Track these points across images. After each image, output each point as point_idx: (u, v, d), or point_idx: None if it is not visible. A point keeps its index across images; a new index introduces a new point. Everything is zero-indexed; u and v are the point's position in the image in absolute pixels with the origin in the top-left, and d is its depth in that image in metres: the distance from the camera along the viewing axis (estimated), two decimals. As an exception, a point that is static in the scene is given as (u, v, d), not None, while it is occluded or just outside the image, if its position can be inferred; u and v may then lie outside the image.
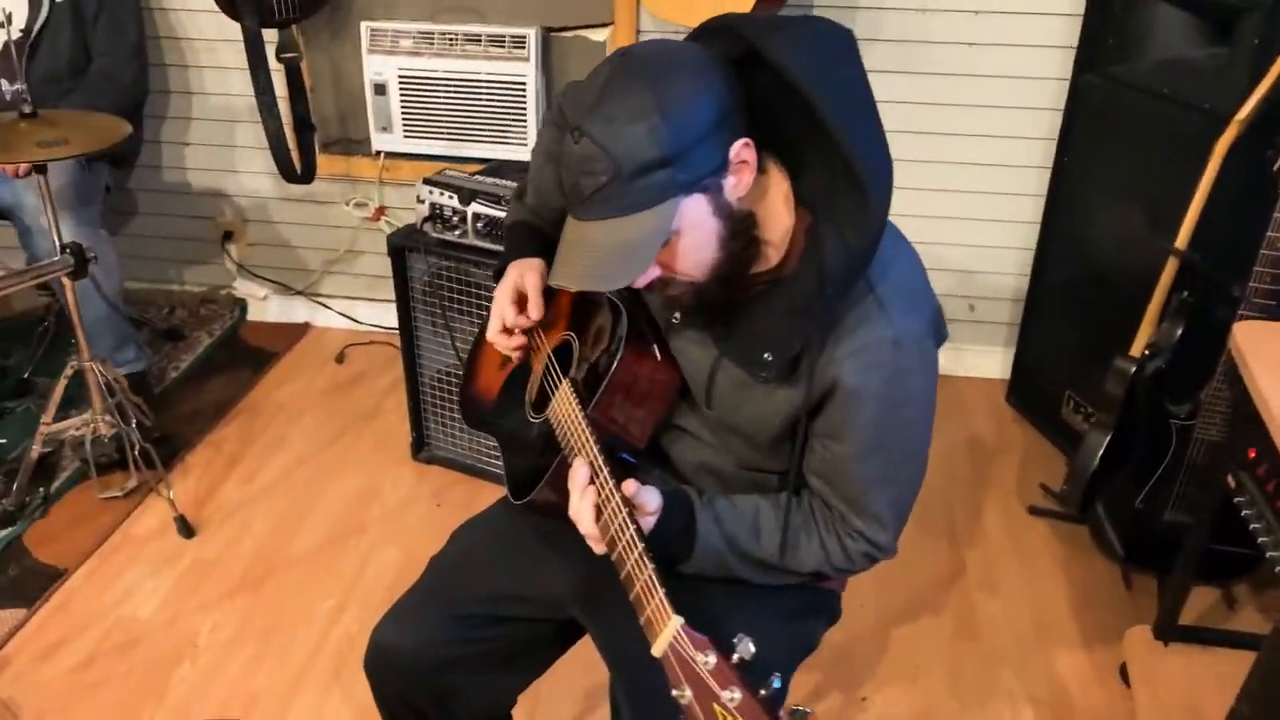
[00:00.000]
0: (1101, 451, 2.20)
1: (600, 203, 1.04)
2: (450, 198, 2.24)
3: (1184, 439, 2.09)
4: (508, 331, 1.41)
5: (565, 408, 1.28)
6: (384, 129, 2.91)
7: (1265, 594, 2.26)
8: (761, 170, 1.10)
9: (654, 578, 1.00)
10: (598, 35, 2.80)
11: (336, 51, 2.91)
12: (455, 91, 2.83)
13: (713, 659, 0.91)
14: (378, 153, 2.96)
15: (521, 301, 1.42)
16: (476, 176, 2.35)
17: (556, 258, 1.12)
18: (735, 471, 1.29)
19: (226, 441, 2.72)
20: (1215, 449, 2.06)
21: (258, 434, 2.76)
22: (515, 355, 1.44)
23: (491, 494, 2.51)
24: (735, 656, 0.91)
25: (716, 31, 1.11)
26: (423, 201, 2.28)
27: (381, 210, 3.07)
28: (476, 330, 2.25)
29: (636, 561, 1.04)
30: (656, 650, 0.96)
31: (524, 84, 2.79)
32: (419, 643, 1.34)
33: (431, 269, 2.34)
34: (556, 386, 1.34)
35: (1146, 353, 2.15)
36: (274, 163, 2.68)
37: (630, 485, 1.11)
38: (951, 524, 2.48)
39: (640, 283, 1.11)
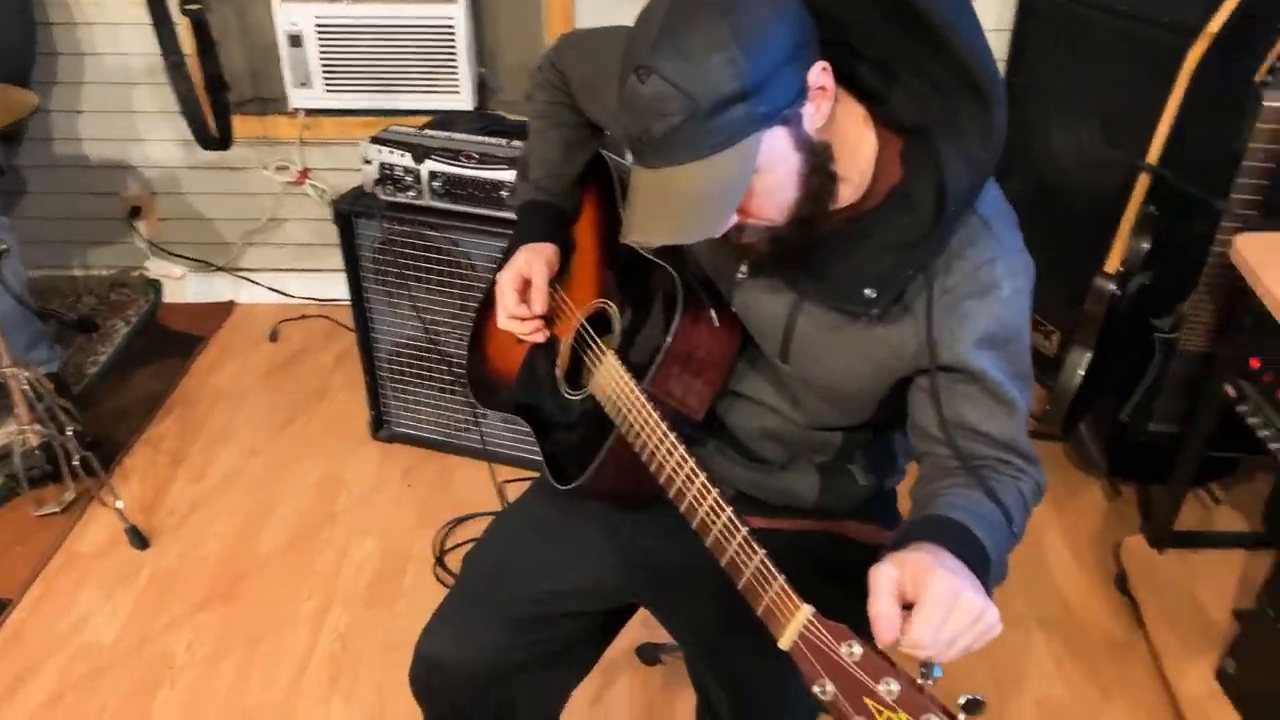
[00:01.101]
0: (1083, 370, 2.22)
1: (676, 146, 0.93)
2: (402, 156, 2.08)
3: (1167, 352, 2.11)
4: (516, 318, 1.30)
5: (614, 383, 1.18)
6: (302, 84, 2.68)
7: (1235, 492, 2.34)
8: (836, 99, 1.00)
9: (766, 564, 0.92)
10: (528, -28, 2.63)
11: (243, 1, 2.66)
12: (378, 39, 2.63)
13: (859, 649, 0.83)
14: (296, 110, 2.74)
15: (525, 287, 1.31)
16: (427, 131, 2.18)
17: (628, 212, 1.00)
18: (802, 433, 1.20)
19: (165, 439, 2.51)
20: (1197, 359, 2.09)
21: (198, 427, 2.55)
22: (534, 339, 1.33)
23: (466, 470, 2.41)
24: (880, 643, 0.84)
25: None
26: (370, 162, 2.11)
27: (305, 173, 2.86)
28: (473, 301, 2.14)
29: (740, 546, 0.95)
30: (784, 643, 0.88)
31: (452, 27, 2.60)
32: (475, 653, 1.24)
33: (385, 234, 2.18)
34: (597, 359, 1.24)
35: (1122, 269, 2.16)
36: (187, 129, 2.44)
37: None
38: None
39: (720, 232, 1.01)
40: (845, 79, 1.02)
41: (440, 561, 2.16)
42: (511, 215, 2.05)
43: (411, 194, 2.11)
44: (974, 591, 0.82)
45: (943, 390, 1.04)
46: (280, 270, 3.04)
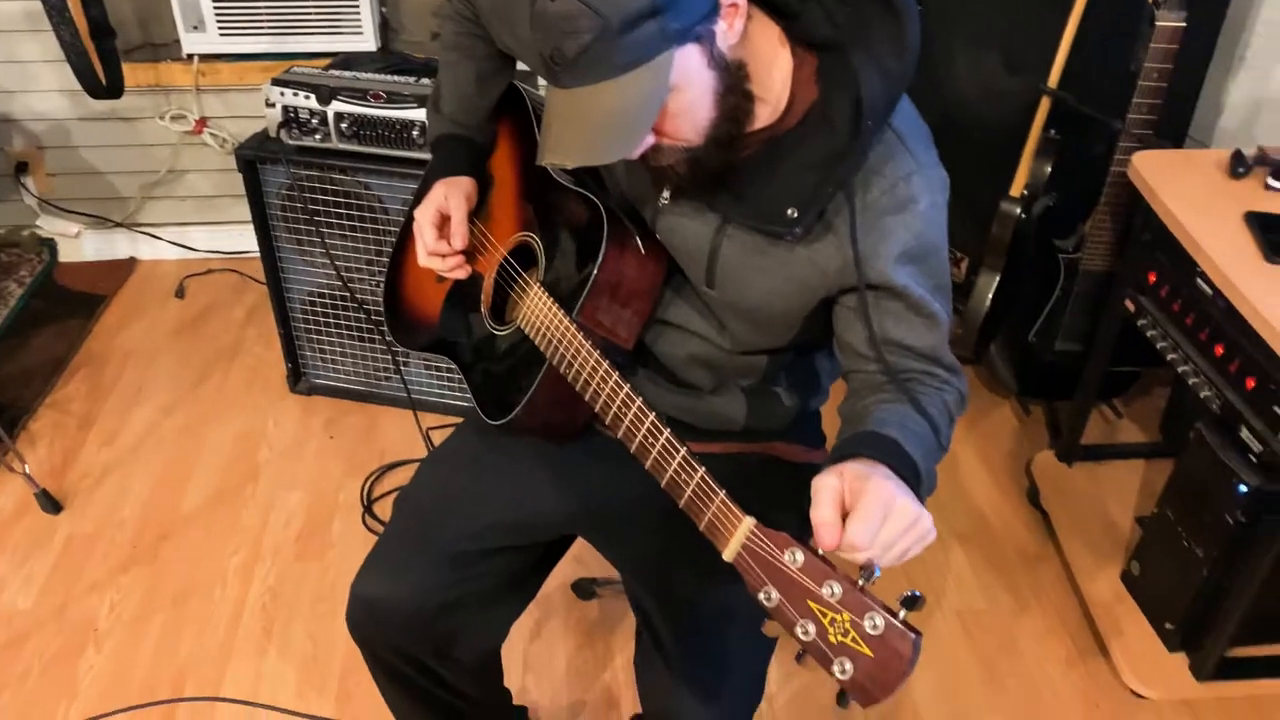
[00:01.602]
0: (991, 294, 2.29)
1: (587, 65, 0.93)
2: (306, 98, 2.01)
3: (1070, 271, 2.19)
4: (437, 254, 1.28)
5: (543, 315, 1.17)
6: (195, 28, 2.57)
7: (1136, 406, 2.45)
8: (748, 17, 1.00)
9: (706, 480, 0.93)
10: (429, -96, 2.55)
11: (125, -60, 2.53)
12: (274, -20, 2.53)
13: (801, 556, 0.85)
14: (190, 56, 2.62)
15: (443, 223, 1.29)
16: (332, 71, 2.11)
17: (543, 134, 0.99)
18: (729, 358, 1.22)
19: (73, 401, 2.42)
20: (1099, 278, 2.17)
21: (107, 388, 2.47)
22: (455, 275, 1.31)
23: (389, 418, 2.38)
24: (821, 550, 0.86)
25: None
26: (273, 105, 2.04)
27: (203, 122, 2.74)
28: (388, 245, 2.09)
29: (680, 465, 0.97)
30: (729, 555, 0.90)
31: (351, -34, 2.52)
32: (413, 592, 1.23)
33: (293, 180, 2.11)
34: (523, 293, 1.23)
35: (1026, 192, 2.22)
36: (75, 78, 2.31)
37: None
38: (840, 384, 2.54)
39: (636, 152, 1.00)
40: None
41: (369, 510, 2.15)
42: (424, 155, 2.02)
43: (318, 137, 2.05)
44: (908, 499, 0.85)
45: (869, 307, 1.06)
46: (183, 225, 2.93)
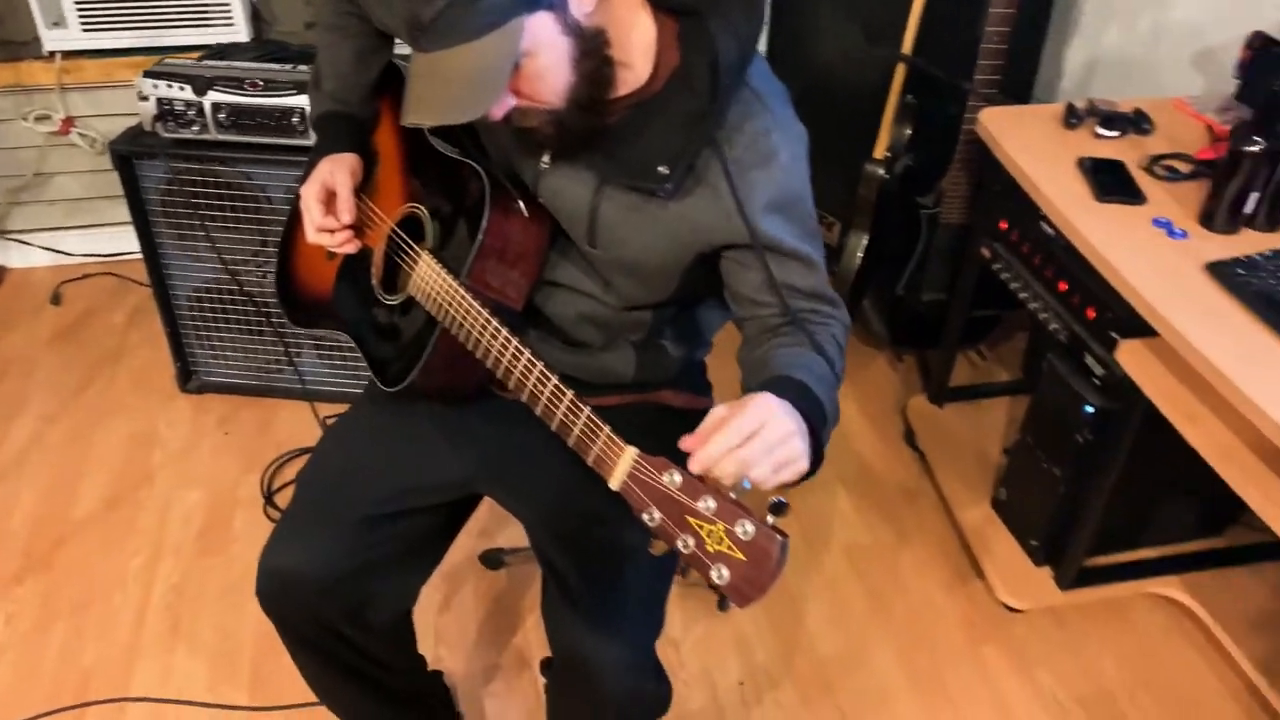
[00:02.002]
0: (861, 252, 2.42)
1: (443, 30, 0.98)
2: (181, 89, 2.00)
3: (932, 225, 2.34)
4: (326, 230, 1.32)
5: (433, 282, 1.23)
6: (55, 24, 2.50)
7: (999, 351, 2.63)
8: None
9: (592, 419, 1.01)
10: (291, -106, 2.53)
11: (-28, -64, 2.45)
12: (138, -26, 2.49)
13: (679, 477, 0.93)
14: (52, 54, 2.55)
15: (330, 199, 1.33)
16: (206, 62, 2.10)
17: (406, 95, 1.04)
18: (616, 315, 1.29)
19: (-51, 415, 2.35)
20: (957, 230, 2.33)
21: (-15, 400, 2.40)
22: (345, 250, 1.35)
23: (284, 410, 2.38)
24: (694, 469, 0.94)
25: None
26: (146, 98, 2.01)
27: (70, 121, 2.67)
28: (274, 235, 2.09)
29: (569, 408, 1.04)
30: (615, 483, 0.97)
31: (216, -43, 2.49)
32: (323, 559, 1.27)
33: (172, 174, 2.10)
34: (413, 262, 1.28)
35: (889, 154, 2.36)
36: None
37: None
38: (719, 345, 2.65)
39: (497, 113, 1.05)
40: None
41: (270, 501, 2.15)
42: (306, 142, 2.03)
43: (195, 129, 2.04)
44: (785, 420, 0.92)
45: (745, 256, 1.15)
46: (54, 229, 2.85)
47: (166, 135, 2.05)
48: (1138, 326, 1.52)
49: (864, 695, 1.82)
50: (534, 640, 1.89)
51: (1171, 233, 1.56)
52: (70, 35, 2.54)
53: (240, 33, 2.61)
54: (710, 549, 0.90)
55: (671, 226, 1.17)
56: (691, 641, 1.89)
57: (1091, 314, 1.71)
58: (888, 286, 2.45)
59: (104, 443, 2.30)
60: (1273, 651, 1.79)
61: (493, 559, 2.02)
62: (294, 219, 1.51)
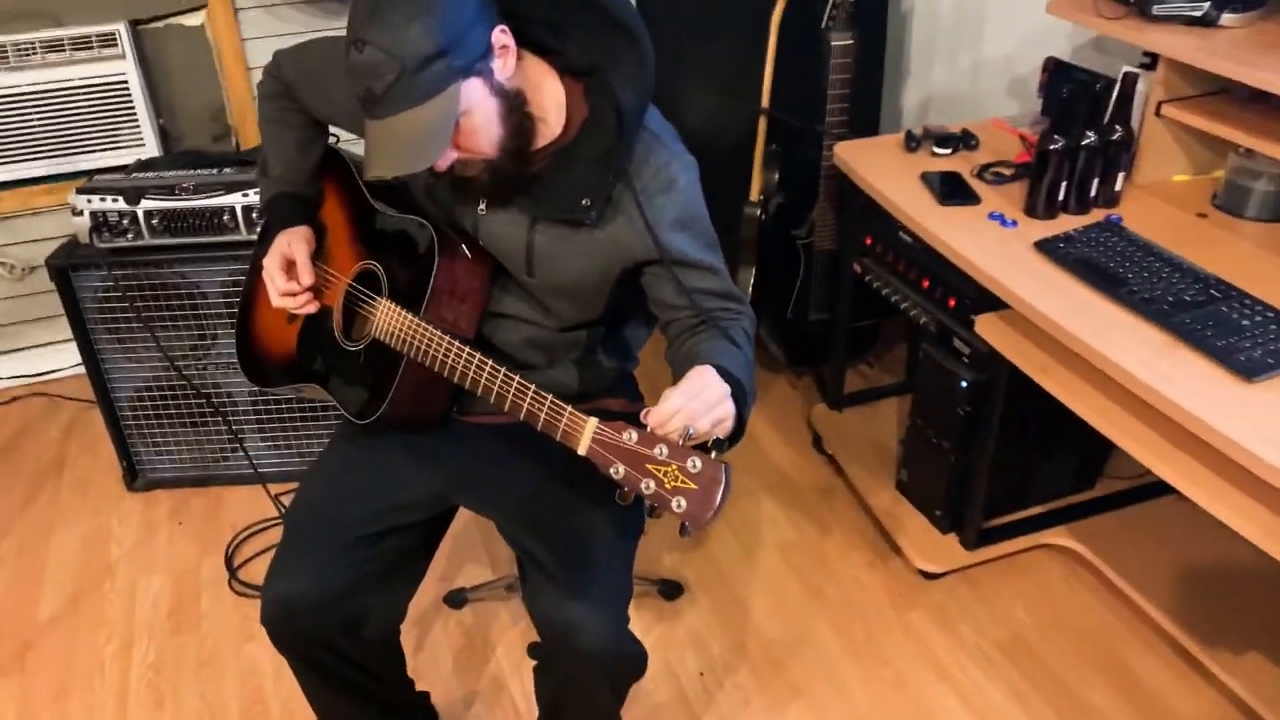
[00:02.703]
0: (751, 284, 2.70)
1: (393, 100, 1.19)
2: (115, 201, 2.15)
3: (808, 254, 2.63)
4: (289, 294, 1.50)
5: (394, 322, 1.42)
6: (-31, 161, 2.62)
7: (884, 360, 2.92)
8: (519, 57, 1.30)
9: (556, 403, 1.21)
10: (193, 20, 2.73)
11: (-119, 85, 2.56)
12: (49, 105, 2.63)
13: (634, 433, 1.14)
14: (-34, 190, 2.67)
15: (290, 267, 1.52)
16: (134, 175, 2.25)
17: (365, 156, 1.24)
18: (555, 336, 1.50)
19: (-105, 542, 2.38)
20: (830, 255, 2.62)
21: (-71, 524, 2.44)
22: (307, 310, 1.53)
23: (233, 495, 2.49)
24: (649, 428, 1.15)
25: None
26: (80, 213, 2.16)
27: (-13, 252, 2.77)
28: (211, 328, 2.23)
29: (533, 398, 1.23)
30: (583, 449, 1.17)
31: (125, 82, 2.66)
32: (319, 580, 1.42)
33: (111, 281, 2.23)
34: (373, 309, 1.47)
35: (762, 196, 2.65)
36: None
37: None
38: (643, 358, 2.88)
39: (443, 164, 1.27)
40: (527, 41, 1.33)
41: (234, 576, 2.25)
42: (237, 237, 2.20)
43: (130, 236, 2.18)
44: (720, 384, 1.17)
45: (659, 269, 1.38)
46: (-29, 358, 2.92)
47: (101, 245, 2.19)
48: (990, 303, 1.81)
49: (812, 669, 2.01)
50: (506, 666, 2.04)
51: (1004, 223, 1.86)
52: (-14, 169, 2.66)
53: (151, 150, 2.76)
54: (669, 486, 1.10)
55: (598, 249, 1.39)
56: (650, 642, 2.06)
57: (952, 302, 1.99)
58: (778, 312, 2.72)
59: (59, 548, 2.36)
60: (1150, 577, 2.06)
61: (456, 598, 2.16)
62: (251, 293, 1.68)
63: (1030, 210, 1.88)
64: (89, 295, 2.27)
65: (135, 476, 2.51)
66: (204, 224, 2.18)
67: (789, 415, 2.73)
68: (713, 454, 1.11)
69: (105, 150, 2.73)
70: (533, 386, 1.24)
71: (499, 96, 1.27)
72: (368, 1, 1.18)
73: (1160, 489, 2.28)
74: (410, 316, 1.40)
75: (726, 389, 1.17)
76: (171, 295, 2.27)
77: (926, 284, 2.06)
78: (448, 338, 1.35)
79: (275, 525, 2.38)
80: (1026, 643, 2.05)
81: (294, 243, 1.52)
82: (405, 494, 1.50)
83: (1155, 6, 1.82)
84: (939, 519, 2.20)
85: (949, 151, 2.15)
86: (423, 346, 1.37)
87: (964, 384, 1.99)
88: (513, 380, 1.26)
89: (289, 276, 1.51)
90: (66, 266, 2.22)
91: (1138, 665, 1.99)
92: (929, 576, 2.19)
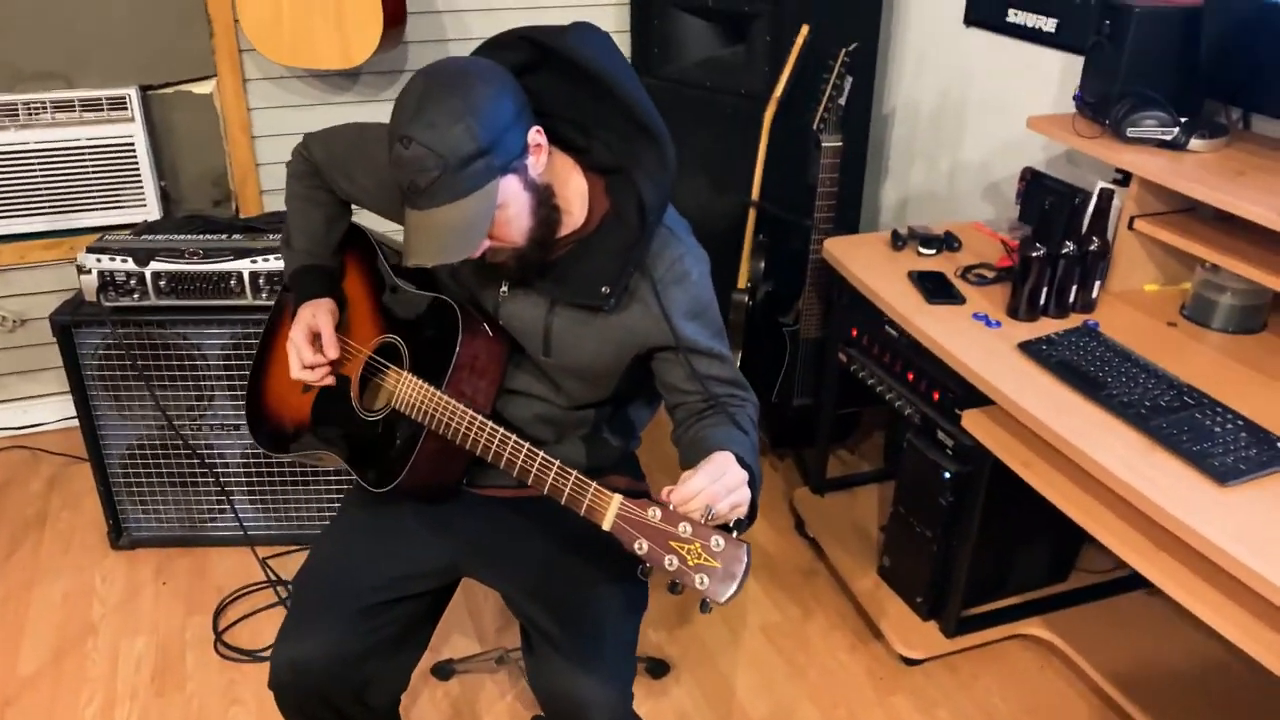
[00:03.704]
0: (738, 367, 2.77)
1: (435, 193, 1.27)
2: (124, 261, 2.19)
3: (794, 341, 2.73)
4: (309, 367, 1.55)
5: (415, 394, 1.47)
6: (-28, 214, 2.65)
7: (862, 447, 3.00)
8: (549, 153, 1.38)
9: (580, 479, 1.27)
10: (202, 89, 2.81)
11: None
12: (54, 162, 2.68)
13: (658, 511, 1.20)
14: (-34, 242, 2.69)
15: (314, 339, 1.57)
16: (144, 236, 2.30)
17: (406, 244, 1.32)
18: (565, 414, 1.57)
19: None
20: (816, 343, 2.72)
21: (-94, 576, 2.40)
22: (325, 383, 1.58)
23: (218, 556, 2.50)
24: (671, 505, 1.21)
25: (501, 44, 1.38)
26: (88, 271, 2.19)
27: (-19, 304, 2.79)
28: (208, 388, 2.26)
29: (558, 474, 1.29)
30: (606, 525, 1.22)
31: (131, 144, 2.72)
32: (332, 645, 1.44)
33: (114, 339, 2.26)
34: (394, 381, 1.52)
35: (750, 284, 2.75)
36: None
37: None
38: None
39: (477, 253, 1.34)
40: (556, 138, 1.41)
41: (220, 639, 2.24)
42: (241, 301, 2.24)
43: (135, 296, 2.22)
44: (740, 470, 1.24)
45: (671, 355, 1.45)
46: (-42, 408, 2.90)
47: (107, 304, 2.22)
48: (975, 399, 1.90)
49: (792, 748, 2.05)
50: (491, 737, 2.05)
51: (988, 323, 1.97)
52: (-13, 222, 2.69)
53: (152, 212, 2.82)
54: (691, 563, 1.16)
55: (613, 334, 1.47)
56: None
57: (936, 396, 2.09)
58: (763, 396, 2.80)
59: (40, 602, 2.34)
60: (1122, 668, 2.13)
61: (444, 670, 2.17)
62: (263, 360, 1.73)
63: (1013, 312, 1.99)
64: (89, 352, 2.29)
65: (120, 534, 2.50)
66: (210, 287, 2.22)
67: (771, 497, 2.79)
68: (734, 534, 1.17)
69: (106, 209, 2.78)
70: (557, 462, 1.30)
71: (531, 191, 1.35)
72: (414, 100, 1.27)
73: (1130, 584, 2.37)
74: (432, 390, 1.45)
75: (745, 475, 1.24)
76: (172, 355, 2.30)
77: (911, 377, 2.16)
78: (470, 412, 1.40)
79: (263, 589, 2.38)
80: (1002, 731, 2.11)
81: (319, 315, 1.58)
82: (418, 563, 1.54)
83: (1129, 130, 1.96)
84: (920, 605, 2.26)
85: (933, 252, 2.27)
86: (444, 419, 1.43)
87: (947, 475, 2.07)
88: (536, 456, 1.32)
89: (314, 349, 1.56)
90: (70, 323, 2.25)
91: (1109, 755, 2.06)
92: (910, 662, 2.24)
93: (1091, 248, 1.95)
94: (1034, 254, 1.92)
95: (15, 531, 2.58)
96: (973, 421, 1.91)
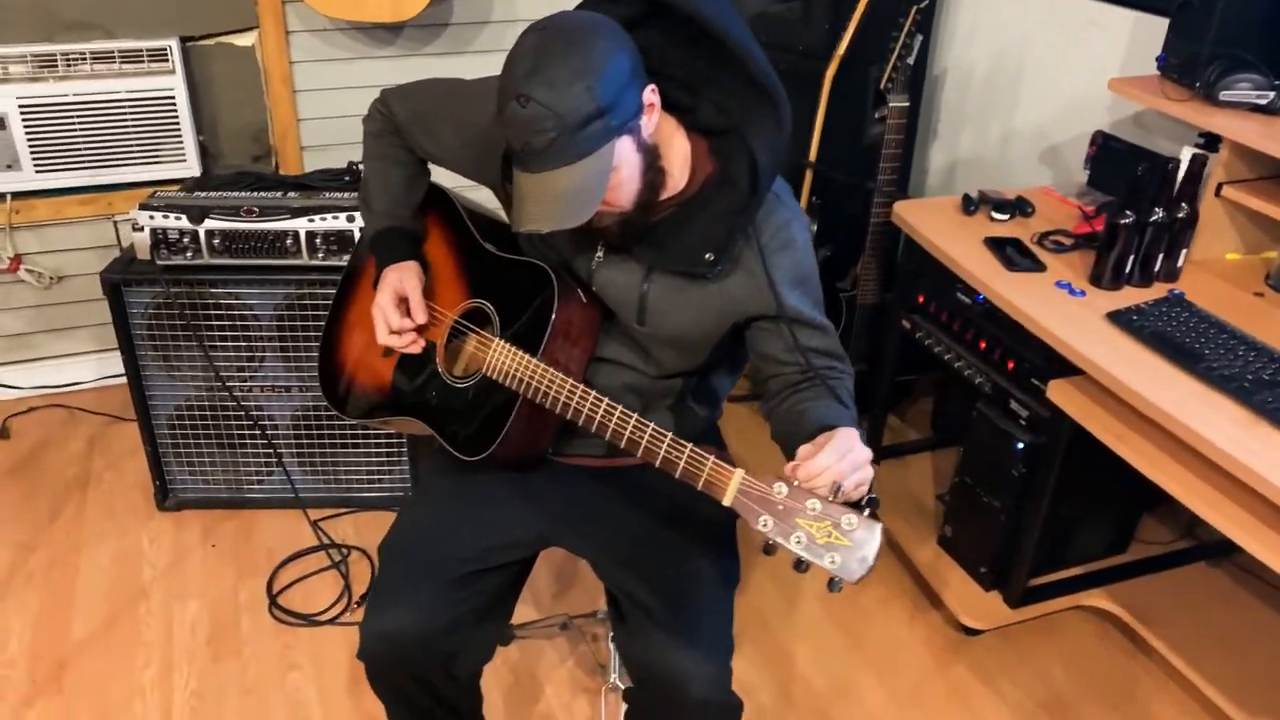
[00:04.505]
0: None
1: (553, 155, 1.20)
2: (177, 219, 2.13)
3: (851, 307, 2.68)
4: (395, 332, 1.51)
5: (509, 361, 1.42)
6: (8, 167, 2.58)
7: (912, 413, 2.96)
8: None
9: (696, 452, 1.22)
10: (243, 40, 2.72)
11: (-72, 87, 2.51)
12: (93, 116, 2.60)
13: (784, 487, 1.15)
14: (3, 195, 2.62)
15: (404, 303, 1.52)
16: (197, 193, 2.24)
17: (516, 208, 1.25)
18: (653, 383, 1.51)
19: (-84, 554, 2.30)
20: (872, 309, 2.67)
21: (-48, 536, 2.37)
22: (412, 350, 1.53)
23: (266, 519, 2.46)
24: (796, 482, 1.17)
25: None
26: (141, 229, 2.13)
27: (18, 259, 2.72)
28: (260, 348, 2.21)
29: (671, 446, 1.24)
30: (727, 500, 1.17)
31: (172, 97, 2.64)
32: (423, 616, 1.41)
33: (162, 299, 2.20)
34: (484, 348, 1.47)
35: (805, 248, 2.69)
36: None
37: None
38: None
39: (587, 218, 1.27)
40: (662, 98, 1.35)
41: (275, 603, 2.21)
42: (297, 261, 2.19)
43: (189, 255, 2.16)
44: (865, 447, 1.18)
45: (772, 324, 1.40)
46: (-6, 365, 2.85)
47: (160, 262, 2.17)
48: (1055, 369, 1.86)
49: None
50: (555, 705, 2.02)
51: (1072, 292, 1.92)
52: (22, 177, 2.61)
53: (192, 168, 2.75)
54: (820, 541, 1.12)
55: (712, 302, 1.41)
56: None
57: (1010, 365, 2.04)
58: (816, 363, 2.75)
59: (89, 566, 2.31)
60: (1186, 640, 2.11)
61: (504, 636, 2.14)
62: (337, 324, 1.68)
63: (1096, 280, 1.94)
64: (139, 311, 2.24)
65: (166, 496, 2.46)
66: (265, 247, 2.16)
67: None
68: (865, 512, 1.13)
69: (145, 165, 2.71)
70: (669, 435, 1.25)
71: (643, 153, 1.29)
72: (529, 56, 1.20)
73: (1191, 555, 2.35)
74: (526, 357, 1.40)
75: (869, 453, 1.19)
76: (224, 315, 2.25)
77: (984, 345, 2.11)
78: (571, 381, 1.36)
79: (315, 552, 2.35)
80: (1065, 702, 2.09)
81: (406, 279, 1.53)
82: (508, 533, 1.50)
83: (1222, 93, 1.90)
84: (983, 576, 2.23)
85: (1006, 217, 2.21)
86: (542, 388, 1.38)
87: (1020, 446, 2.03)
88: (646, 428, 1.27)
89: (404, 312, 1.51)
90: (120, 281, 2.19)
91: (1174, 728, 2.04)
92: (969, 632, 2.22)
93: (1180, 215, 1.89)
94: (1122, 221, 1.87)
95: (57, 493, 2.53)
96: (1059, 392, 1.86)
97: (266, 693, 2.01)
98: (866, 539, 1.11)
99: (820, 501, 1.13)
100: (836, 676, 2.12)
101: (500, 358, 1.44)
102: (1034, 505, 2.07)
